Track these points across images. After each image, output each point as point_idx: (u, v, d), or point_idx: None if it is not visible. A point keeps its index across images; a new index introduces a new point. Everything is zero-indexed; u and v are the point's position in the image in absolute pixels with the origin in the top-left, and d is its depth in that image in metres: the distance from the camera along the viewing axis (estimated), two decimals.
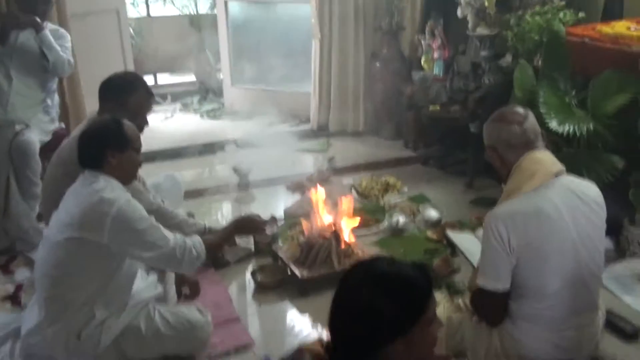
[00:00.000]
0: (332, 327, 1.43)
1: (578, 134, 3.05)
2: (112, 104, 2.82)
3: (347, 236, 3.18)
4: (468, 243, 2.78)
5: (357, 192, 4.12)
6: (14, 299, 3.03)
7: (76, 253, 2.33)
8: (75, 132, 2.89)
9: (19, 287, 3.11)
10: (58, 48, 3.70)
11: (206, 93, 6.45)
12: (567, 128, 3.05)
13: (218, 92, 6.36)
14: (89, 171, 2.41)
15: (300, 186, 4.30)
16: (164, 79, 7.09)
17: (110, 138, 2.41)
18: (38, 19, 3.59)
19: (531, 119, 2.32)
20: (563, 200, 2.16)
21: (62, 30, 3.88)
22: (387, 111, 5.20)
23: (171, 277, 2.81)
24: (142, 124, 2.88)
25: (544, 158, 2.25)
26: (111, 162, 2.38)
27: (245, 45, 5.99)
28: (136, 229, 2.31)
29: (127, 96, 2.84)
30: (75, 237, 2.30)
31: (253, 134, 5.35)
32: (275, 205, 4.11)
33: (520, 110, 2.34)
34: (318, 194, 3.31)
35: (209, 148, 5.13)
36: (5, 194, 3.46)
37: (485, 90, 4.25)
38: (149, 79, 6.97)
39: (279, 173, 4.60)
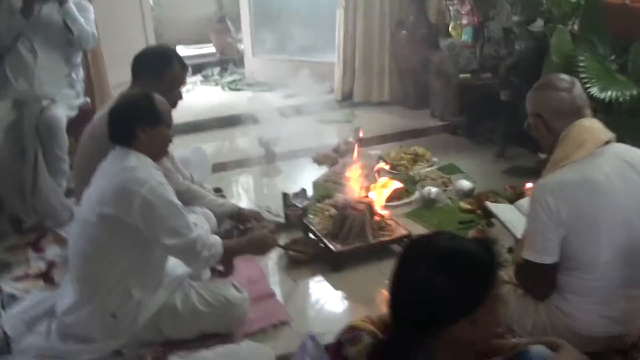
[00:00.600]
0: (392, 305, 1.37)
1: (622, 100, 2.94)
2: (146, 78, 2.76)
3: (380, 208, 3.11)
4: (509, 214, 2.69)
5: (386, 162, 4.04)
6: (47, 276, 3.00)
7: (109, 231, 2.30)
8: (106, 107, 2.84)
9: (51, 265, 3.09)
10: (82, 20, 3.63)
11: (227, 64, 6.35)
12: (609, 94, 2.94)
13: (239, 63, 6.27)
14: (119, 147, 2.37)
15: (326, 158, 4.22)
16: (184, 50, 6.98)
17: (141, 113, 2.36)
18: None
19: (578, 85, 2.24)
20: (614, 169, 2.08)
21: (84, 2, 3.80)
22: (413, 80, 5.10)
23: None
24: (176, 98, 2.83)
25: (593, 126, 2.17)
26: (142, 137, 2.33)
27: (266, 15, 5.88)
28: (162, 212, 2.26)
29: (162, 70, 2.78)
30: (107, 213, 2.27)
31: (276, 105, 5.28)
32: (302, 177, 4.03)
33: (566, 77, 2.26)
34: (348, 165, 3.23)
35: (232, 120, 5.05)
36: (33, 170, 3.42)
37: (517, 57, 4.11)
38: None
39: (304, 145, 4.52)
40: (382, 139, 4.58)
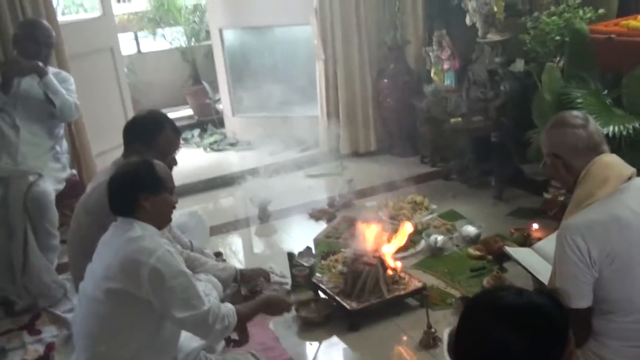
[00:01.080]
0: None
1: (624, 134, 2.93)
2: (138, 145, 2.67)
3: (391, 260, 3.02)
4: (529, 258, 2.62)
5: (385, 214, 3.96)
6: None
7: (118, 307, 2.18)
8: (100, 178, 2.73)
9: (49, 347, 2.92)
10: (64, 92, 3.55)
11: (206, 125, 6.28)
12: (611, 129, 2.93)
13: (218, 124, 6.20)
14: (121, 219, 2.26)
15: (323, 213, 4.14)
16: None
17: (142, 181, 2.26)
18: (41, 64, 3.43)
19: (592, 121, 2.20)
20: None
21: (64, 72, 3.75)
22: (399, 127, 5.09)
23: None
24: (171, 164, 2.72)
25: (615, 161, 2.13)
26: (145, 206, 2.23)
27: (243, 74, 5.85)
28: (173, 283, 2.14)
29: (154, 136, 2.69)
30: (115, 288, 2.15)
31: (261, 163, 5.21)
32: (300, 235, 3.94)
33: (579, 113, 2.22)
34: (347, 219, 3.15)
35: (218, 182, 4.98)
36: (23, 250, 3.26)
37: (504, 98, 4.14)
38: None
39: (297, 201, 4.45)
40: (376, 189, 4.52)
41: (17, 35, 3.54)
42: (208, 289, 2.75)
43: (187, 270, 2.24)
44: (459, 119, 4.11)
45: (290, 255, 3.25)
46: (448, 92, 4.60)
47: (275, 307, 2.60)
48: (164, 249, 2.18)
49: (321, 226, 3.99)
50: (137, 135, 2.71)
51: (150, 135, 2.69)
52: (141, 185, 2.24)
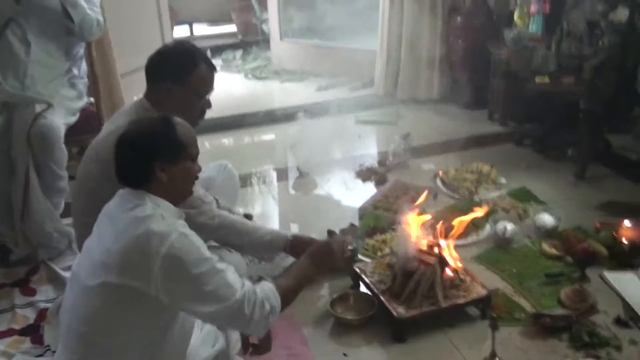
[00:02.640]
0: None
1: None
2: (168, 84, 2.23)
3: (452, 260, 2.48)
4: (635, 288, 2.07)
5: (444, 183, 3.40)
6: (35, 332, 2.43)
7: (114, 305, 1.71)
8: (119, 120, 2.25)
9: (41, 315, 2.51)
10: (84, 5, 3.01)
11: (250, 47, 5.69)
12: None
13: (263, 46, 5.60)
14: (129, 190, 1.78)
15: (372, 173, 3.60)
16: (201, 29, 6.32)
17: (159, 146, 1.76)
18: None
19: None
20: None
21: None
22: (468, 75, 4.46)
23: None
24: (205, 107, 2.32)
25: None
26: (160, 177, 1.75)
27: None
28: (192, 274, 1.68)
29: (187, 74, 2.24)
30: (112, 283, 1.68)
31: (307, 99, 4.65)
32: (343, 197, 3.43)
33: None
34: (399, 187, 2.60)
35: (255, 119, 4.46)
36: (24, 191, 2.82)
37: (604, 56, 3.44)
38: (183, 30, 6.26)
39: (343, 152, 3.92)
40: (434, 148, 3.95)
41: None
42: None
43: (210, 255, 1.76)
44: (547, 78, 3.43)
45: (330, 233, 2.74)
46: (533, 40, 3.91)
47: (325, 260, 2.13)
48: (178, 232, 1.70)
49: (369, 189, 3.47)
50: (164, 73, 2.26)
51: (183, 72, 2.24)
52: (157, 152, 1.75)
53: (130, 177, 1.78)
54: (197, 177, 1.90)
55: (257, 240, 2.47)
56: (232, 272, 1.79)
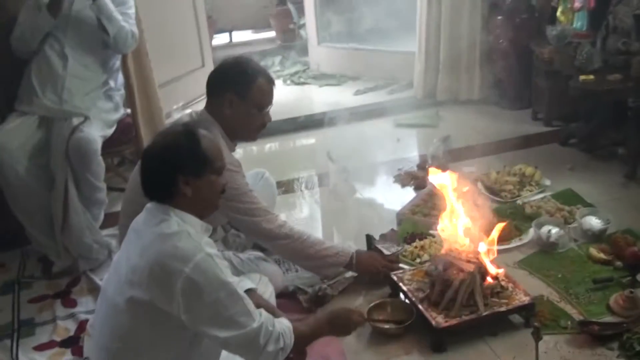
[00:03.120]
0: None
1: None
2: (230, 96, 2.33)
3: (493, 266, 2.39)
4: None
5: (485, 187, 3.30)
6: (75, 344, 2.45)
7: (142, 320, 1.73)
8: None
9: (81, 327, 2.53)
10: (119, 17, 3.04)
11: (288, 53, 5.68)
12: None
13: (301, 52, 5.58)
14: (155, 204, 1.77)
15: (411, 177, 3.52)
16: (240, 36, 6.34)
17: (182, 159, 1.76)
18: None
19: None
20: None
21: None
22: (511, 75, 4.31)
23: None
24: (265, 120, 2.42)
25: None
26: (185, 191, 1.75)
27: None
28: (212, 298, 1.68)
29: (247, 88, 2.33)
30: (139, 298, 1.70)
31: (345, 104, 4.61)
32: (382, 201, 3.38)
33: None
34: (454, 204, 2.52)
35: (294, 124, 4.43)
36: (64, 203, 2.85)
37: None
38: (223, 37, 6.30)
39: (382, 156, 3.86)
40: (475, 149, 3.83)
41: None
42: (262, 285, 2.28)
43: (232, 279, 1.74)
44: (592, 76, 3.30)
45: (369, 239, 2.69)
46: (577, 37, 3.76)
47: (341, 328, 2.12)
48: (204, 252, 1.69)
49: (408, 194, 3.39)
50: (226, 86, 2.35)
51: (243, 86, 2.34)
52: (181, 166, 1.75)
53: (155, 191, 1.79)
54: (223, 191, 1.89)
55: (321, 252, 2.49)
56: (251, 304, 1.78)
